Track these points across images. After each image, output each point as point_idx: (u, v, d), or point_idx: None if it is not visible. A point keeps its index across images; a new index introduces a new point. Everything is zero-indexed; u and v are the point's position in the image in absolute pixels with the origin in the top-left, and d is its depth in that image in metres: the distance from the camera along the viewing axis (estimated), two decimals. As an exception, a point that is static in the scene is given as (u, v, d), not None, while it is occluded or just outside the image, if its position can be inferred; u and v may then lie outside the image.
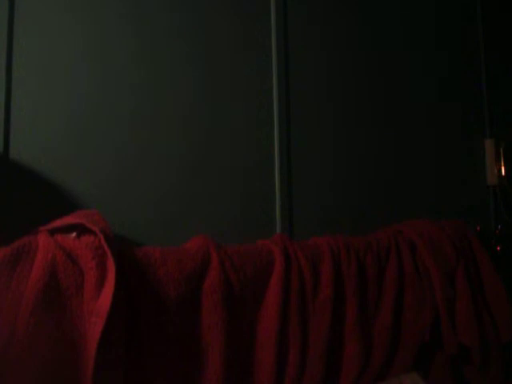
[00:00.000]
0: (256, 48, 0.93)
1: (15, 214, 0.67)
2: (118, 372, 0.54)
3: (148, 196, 0.78)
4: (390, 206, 1.07)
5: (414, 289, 0.85)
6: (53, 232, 0.58)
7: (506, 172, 1.24)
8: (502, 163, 1.25)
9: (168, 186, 0.80)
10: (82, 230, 0.58)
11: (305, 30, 1.00)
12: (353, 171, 1.03)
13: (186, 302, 0.63)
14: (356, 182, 1.03)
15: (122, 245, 0.62)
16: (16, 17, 0.71)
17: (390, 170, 1.08)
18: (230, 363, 0.64)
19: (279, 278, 0.71)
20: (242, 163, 0.88)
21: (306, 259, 0.76)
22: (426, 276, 0.87)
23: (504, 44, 1.38)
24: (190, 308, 0.63)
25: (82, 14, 0.76)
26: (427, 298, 0.86)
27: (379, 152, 1.07)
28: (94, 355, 0.50)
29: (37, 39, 0.72)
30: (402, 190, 1.10)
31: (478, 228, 1.15)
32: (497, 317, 0.93)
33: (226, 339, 0.64)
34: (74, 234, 0.58)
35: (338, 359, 0.77)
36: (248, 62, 0.91)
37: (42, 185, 0.70)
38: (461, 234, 0.96)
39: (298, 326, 0.71)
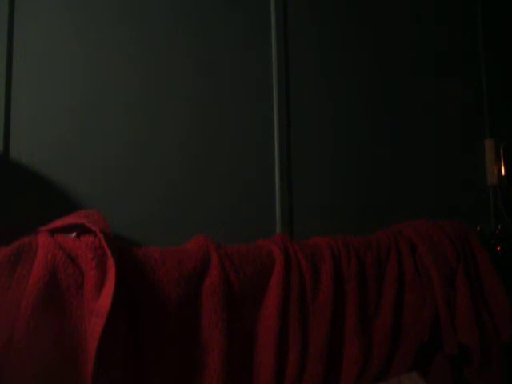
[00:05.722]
0: (256, 48, 0.93)
1: (15, 214, 0.67)
2: (118, 372, 0.54)
3: (148, 196, 0.78)
4: (390, 205, 1.07)
5: (414, 289, 0.85)
6: (53, 232, 0.58)
7: (505, 172, 1.24)
8: (502, 163, 1.25)
9: (168, 185, 0.80)
10: (81, 229, 0.58)
11: (305, 29, 1.00)
12: (353, 171, 1.03)
13: (186, 302, 0.63)
14: (356, 182, 1.03)
15: (122, 245, 0.62)
16: (16, 17, 0.71)
17: (390, 170, 1.08)
18: (230, 363, 0.64)
19: (279, 278, 0.71)
20: (242, 163, 0.88)
21: (306, 259, 0.76)
22: (426, 276, 0.87)
23: (504, 44, 1.38)
24: (189, 308, 0.63)
25: (82, 13, 0.76)
26: (427, 298, 0.86)
27: (379, 152, 1.07)
28: (94, 355, 0.50)
29: (37, 39, 0.72)
30: (401, 189, 1.10)
31: (478, 228, 1.15)
32: (497, 317, 0.93)
33: (225, 339, 0.64)
34: (73, 234, 0.58)
35: (338, 359, 0.77)
36: (248, 62, 0.91)
37: (42, 185, 0.70)
38: (461, 233, 0.96)
39: (298, 326, 0.71)
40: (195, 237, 0.74)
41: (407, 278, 0.85)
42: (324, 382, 0.72)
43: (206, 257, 0.67)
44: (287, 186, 0.92)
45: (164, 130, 0.81)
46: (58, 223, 0.59)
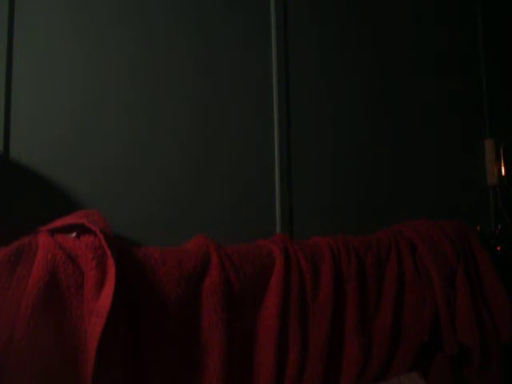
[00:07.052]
0: (256, 48, 0.93)
1: (15, 214, 0.67)
2: (118, 372, 0.54)
3: (148, 196, 0.78)
4: (390, 206, 1.07)
5: (414, 289, 0.85)
6: (53, 232, 0.58)
7: (505, 172, 1.24)
8: (502, 163, 1.25)
9: (168, 185, 0.80)
10: (81, 229, 0.58)
11: (305, 29, 1.00)
12: (353, 171, 1.03)
13: (186, 302, 0.63)
14: (356, 182, 1.03)
15: (122, 245, 0.62)
16: (16, 17, 0.71)
17: (390, 170, 1.08)
18: (230, 363, 0.64)
19: (279, 278, 0.71)
20: (242, 163, 0.88)
21: (306, 259, 0.76)
22: (426, 276, 0.87)
23: (504, 44, 1.38)
24: (189, 308, 0.63)
25: (82, 13, 0.76)
26: (427, 298, 0.86)
27: (379, 152, 1.07)
28: (94, 355, 0.50)
29: (37, 39, 0.72)
30: (401, 189, 1.10)
31: (478, 228, 1.15)
32: (497, 317, 0.93)
33: (225, 339, 0.64)
34: (73, 234, 0.58)
35: (338, 359, 0.77)
36: (248, 62, 0.91)
37: (42, 185, 0.70)
38: (461, 233, 0.96)
39: (298, 326, 0.71)
40: (195, 237, 0.74)
41: (407, 278, 0.85)
42: (324, 382, 0.72)
43: (206, 257, 0.67)
44: (287, 186, 0.92)
45: (164, 130, 0.81)
46: (58, 223, 0.59)
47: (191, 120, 0.84)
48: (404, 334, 0.83)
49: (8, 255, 0.51)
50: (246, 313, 0.69)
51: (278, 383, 0.69)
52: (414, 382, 0.83)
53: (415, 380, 0.84)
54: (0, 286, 0.50)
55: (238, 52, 0.90)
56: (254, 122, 0.91)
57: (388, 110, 1.11)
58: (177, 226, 0.80)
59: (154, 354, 0.59)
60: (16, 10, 0.71)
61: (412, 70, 1.16)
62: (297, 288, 0.72)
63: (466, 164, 1.23)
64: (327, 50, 1.02)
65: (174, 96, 0.82)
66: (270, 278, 0.72)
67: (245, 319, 0.68)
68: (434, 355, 0.88)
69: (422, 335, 0.84)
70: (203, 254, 0.67)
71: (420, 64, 1.18)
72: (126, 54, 0.79)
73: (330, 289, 0.75)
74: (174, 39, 0.84)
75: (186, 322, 0.63)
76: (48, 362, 0.51)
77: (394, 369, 0.82)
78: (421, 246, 0.89)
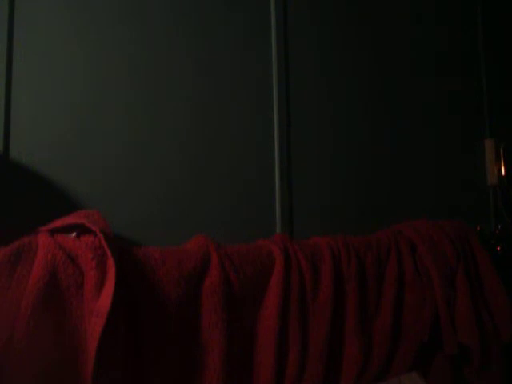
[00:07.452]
0: (256, 48, 0.93)
1: (15, 214, 0.67)
2: (118, 372, 0.54)
3: (148, 196, 0.78)
4: (390, 206, 1.07)
5: (414, 289, 0.85)
6: (53, 232, 0.58)
7: (505, 172, 1.24)
8: (502, 163, 1.25)
9: (168, 185, 0.80)
10: (81, 229, 0.58)
11: (305, 29, 1.00)
12: (353, 171, 1.03)
13: (186, 302, 0.63)
14: (356, 182, 1.03)
15: (122, 245, 0.62)
16: (16, 17, 0.71)
17: (389, 170, 1.08)
18: (230, 363, 0.64)
19: (279, 278, 0.71)
20: (242, 163, 0.88)
21: (306, 259, 0.76)
22: (426, 276, 0.87)
23: (504, 44, 1.38)
24: (189, 308, 0.63)
25: (82, 13, 0.76)
26: (427, 298, 0.86)
27: (379, 152, 1.07)
28: (94, 355, 0.50)
29: (37, 39, 0.72)
30: (401, 189, 1.10)
31: (478, 228, 1.15)
32: (497, 317, 0.93)
33: (225, 339, 0.64)
34: (73, 234, 0.58)
35: (338, 359, 0.77)
36: (248, 62, 0.91)
37: (42, 185, 0.70)
38: (461, 233, 0.96)
39: (298, 326, 0.71)
40: (195, 237, 0.74)
41: (407, 278, 0.85)
42: (324, 382, 0.72)
43: (206, 257, 0.67)
44: (287, 186, 0.92)
45: (164, 129, 0.81)
46: (58, 223, 0.59)
47: (191, 120, 0.84)
48: (404, 334, 0.83)
49: (8, 255, 0.51)
50: (246, 313, 0.69)
51: (278, 383, 0.69)
52: (413, 382, 0.83)
53: (415, 380, 0.84)
54: (0, 286, 0.50)
55: (238, 52, 0.90)
56: (254, 122, 0.91)
57: (388, 110, 1.11)
58: (177, 226, 0.80)
59: (154, 354, 0.59)
60: (16, 10, 0.71)
61: (412, 70, 1.16)
62: (297, 288, 0.72)
63: (466, 164, 1.23)
64: (327, 50, 1.02)
65: (174, 96, 0.82)
66: (270, 278, 0.72)
67: (245, 319, 0.68)
68: (434, 355, 0.88)
69: (421, 335, 0.83)
70: (203, 253, 0.67)
71: (420, 64, 1.18)
72: (126, 54, 0.79)
73: (330, 289, 0.75)
74: (174, 39, 0.84)
75: (186, 322, 0.63)
76: (48, 362, 0.51)
77: (394, 369, 0.82)
78: (421, 245, 0.89)
